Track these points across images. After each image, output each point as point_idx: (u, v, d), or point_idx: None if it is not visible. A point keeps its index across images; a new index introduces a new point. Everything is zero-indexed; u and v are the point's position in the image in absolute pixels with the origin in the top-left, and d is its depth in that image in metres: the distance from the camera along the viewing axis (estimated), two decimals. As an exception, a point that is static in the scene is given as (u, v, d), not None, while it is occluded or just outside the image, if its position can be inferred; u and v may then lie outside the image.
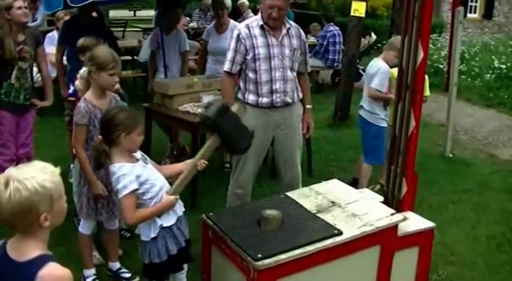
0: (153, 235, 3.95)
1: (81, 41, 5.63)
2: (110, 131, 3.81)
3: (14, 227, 2.36)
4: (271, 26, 5.37)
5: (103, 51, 4.74)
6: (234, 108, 4.17)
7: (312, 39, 13.99)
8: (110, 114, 3.90)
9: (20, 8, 5.94)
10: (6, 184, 2.29)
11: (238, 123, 4.07)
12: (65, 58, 7.50)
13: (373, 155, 6.89)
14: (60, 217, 2.45)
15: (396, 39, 6.49)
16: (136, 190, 3.78)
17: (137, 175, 3.79)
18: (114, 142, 3.81)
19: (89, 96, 4.65)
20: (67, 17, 8.47)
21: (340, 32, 13.44)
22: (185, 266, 4.32)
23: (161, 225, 3.95)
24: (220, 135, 3.99)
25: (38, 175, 2.33)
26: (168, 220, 3.99)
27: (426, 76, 6.53)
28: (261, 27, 5.38)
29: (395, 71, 6.53)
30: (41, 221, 2.34)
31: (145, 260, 4.01)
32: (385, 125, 6.44)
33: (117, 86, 5.03)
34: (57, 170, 2.43)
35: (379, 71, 6.52)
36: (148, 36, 9.66)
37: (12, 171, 2.35)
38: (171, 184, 4.03)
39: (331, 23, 13.77)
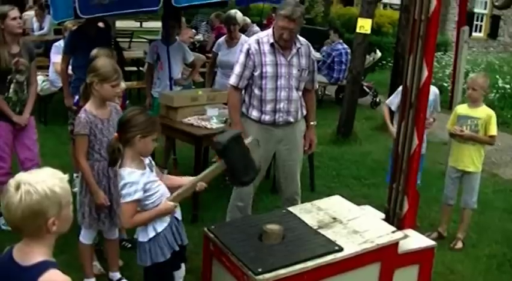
0: (153, 234, 3.97)
1: (94, 52, 5.59)
2: (127, 130, 3.84)
3: (22, 230, 2.40)
4: (281, 45, 5.38)
5: (105, 62, 4.77)
6: (247, 141, 4.17)
7: (317, 55, 13.97)
8: (130, 115, 3.91)
9: (14, 19, 5.84)
10: (17, 187, 2.33)
11: (247, 156, 4.07)
12: (70, 67, 7.53)
13: None
14: (66, 224, 2.48)
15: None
16: (138, 200, 3.82)
17: (144, 183, 3.84)
18: (129, 142, 3.84)
19: (89, 106, 4.68)
20: (75, 27, 8.51)
21: (349, 50, 13.35)
22: (182, 268, 4.36)
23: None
24: (226, 163, 4.00)
25: (48, 180, 2.37)
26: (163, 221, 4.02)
27: (492, 112, 6.37)
28: (271, 44, 5.39)
29: (460, 107, 6.46)
30: (49, 226, 2.37)
31: (147, 262, 4.01)
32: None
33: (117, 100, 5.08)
34: (66, 177, 2.46)
35: None
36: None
37: (22, 175, 2.40)
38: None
39: (340, 41, 13.73)
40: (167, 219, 4.04)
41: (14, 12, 5.88)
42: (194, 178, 4.10)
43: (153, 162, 4.13)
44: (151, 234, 3.97)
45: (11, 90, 5.91)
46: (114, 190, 4.77)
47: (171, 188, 4.10)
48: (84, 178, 4.70)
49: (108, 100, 4.77)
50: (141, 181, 3.82)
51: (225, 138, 3.96)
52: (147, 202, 3.89)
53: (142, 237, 4.00)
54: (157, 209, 3.91)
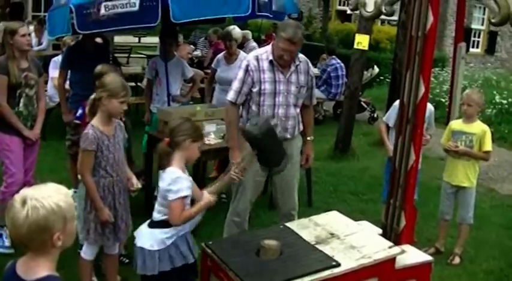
0: (168, 243, 4.12)
1: (99, 68, 5.65)
2: (177, 135, 4.14)
3: (27, 245, 2.42)
4: (280, 64, 5.40)
5: (114, 78, 4.82)
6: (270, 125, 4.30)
7: (316, 71, 13.98)
8: (180, 121, 4.25)
9: (24, 35, 5.91)
10: (23, 203, 2.34)
11: (278, 145, 4.25)
12: (67, 83, 7.55)
13: None
14: (70, 239, 2.51)
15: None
16: (187, 197, 4.07)
17: (189, 185, 4.09)
18: (179, 145, 4.12)
19: (96, 122, 4.69)
20: (73, 43, 8.54)
21: (342, 64, 13.47)
22: None
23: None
24: (261, 151, 4.19)
25: (53, 195, 2.39)
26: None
27: (487, 128, 6.37)
28: (270, 62, 5.40)
29: (454, 123, 6.42)
30: (54, 241, 2.39)
31: (152, 271, 4.09)
32: None
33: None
34: (70, 192, 2.48)
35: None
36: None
37: (28, 191, 2.41)
38: None
39: (334, 56, 13.82)
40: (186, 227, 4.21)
41: (24, 29, 5.97)
42: (231, 171, 4.37)
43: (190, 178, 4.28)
44: (168, 242, 4.11)
45: (21, 104, 5.94)
46: (119, 206, 4.79)
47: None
48: (89, 194, 4.70)
49: (114, 116, 4.78)
50: (187, 179, 4.10)
51: (260, 130, 4.19)
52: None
53: (157, 246, 4.09)
54: (203, 203, 4.17)
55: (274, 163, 4.23)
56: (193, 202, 4.25)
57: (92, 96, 5.04)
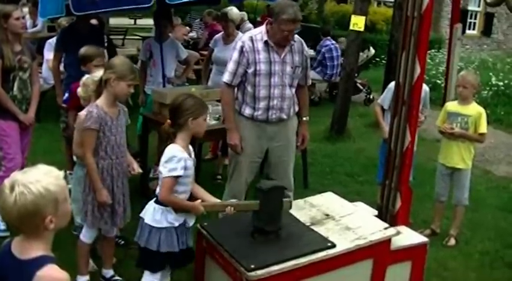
0: (163, 224, 4.14)
1: (82, 51, 5.61)
2: (179, 115, 4.16)
3: (20, 229, 2.42)
4: (278, 44, 5.38)
5: (124, 61, 4.79)
6: (286, 202, 4.30)
7: (311, 52, 13.93)
8: (179, 101, 4.22)
9: (18, 19, 5.84)
10: (12, 188, 2.33)
11: (278, 211, 4.16)
12: (62, 65, 7.51)
13: None
14: (65, 219, 2.50)
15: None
16: (180, 177, 4.08)
17: (185, 165, 4.08)
18: (182, 125, 4.15)
19: (101, 103, 4.65)
20: (67, 25, 8.47)
21: (337, 45, 13.45)
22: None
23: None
24: (260, 206, 4.10)
25: (42, 179, 2.37)
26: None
27: (482, 110, 6.33)
28: (265, 42, 5.37)
29: (449, 104, 6.42)
30: (46, 224, 2.38)
31: (152, 247, 4.12)
32: None
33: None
34: (62, 173, 2.46)
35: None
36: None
37: (17, 175, 2.39)
38: None
39: (328, 37, 13.77)
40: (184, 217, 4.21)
41: (18, 13, 5.90)
42: (229, 201, 4.49)
43: (193, 156, 4.31)
44: (162, 223, 4.13)
45: (15, 88, 5.89)
46: (116, 190, 4.76)
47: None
48: (89, 173, 4.66)
49: (120, 98, 4.75)
50: (183, 161, 4.08)
51: (268, 185, 4.22)
52: (178, 187, 4.14)
53: (152, 222, 4.15)
54: (190, 204, 4.18)
55: (265, 224, 4.21)
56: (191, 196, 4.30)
57: (84, 78, 5.00)
